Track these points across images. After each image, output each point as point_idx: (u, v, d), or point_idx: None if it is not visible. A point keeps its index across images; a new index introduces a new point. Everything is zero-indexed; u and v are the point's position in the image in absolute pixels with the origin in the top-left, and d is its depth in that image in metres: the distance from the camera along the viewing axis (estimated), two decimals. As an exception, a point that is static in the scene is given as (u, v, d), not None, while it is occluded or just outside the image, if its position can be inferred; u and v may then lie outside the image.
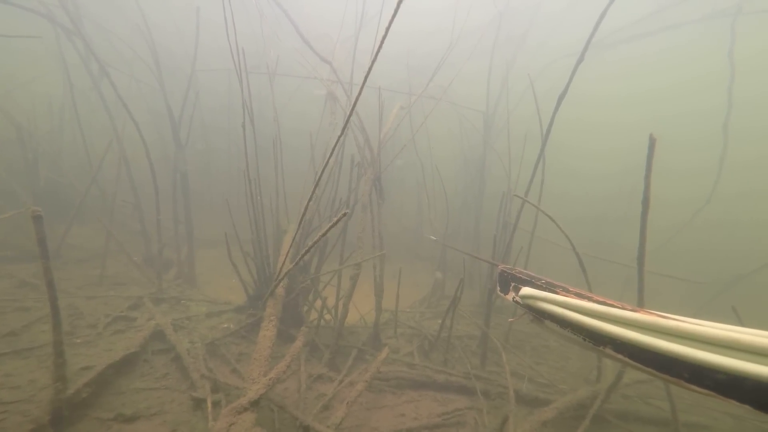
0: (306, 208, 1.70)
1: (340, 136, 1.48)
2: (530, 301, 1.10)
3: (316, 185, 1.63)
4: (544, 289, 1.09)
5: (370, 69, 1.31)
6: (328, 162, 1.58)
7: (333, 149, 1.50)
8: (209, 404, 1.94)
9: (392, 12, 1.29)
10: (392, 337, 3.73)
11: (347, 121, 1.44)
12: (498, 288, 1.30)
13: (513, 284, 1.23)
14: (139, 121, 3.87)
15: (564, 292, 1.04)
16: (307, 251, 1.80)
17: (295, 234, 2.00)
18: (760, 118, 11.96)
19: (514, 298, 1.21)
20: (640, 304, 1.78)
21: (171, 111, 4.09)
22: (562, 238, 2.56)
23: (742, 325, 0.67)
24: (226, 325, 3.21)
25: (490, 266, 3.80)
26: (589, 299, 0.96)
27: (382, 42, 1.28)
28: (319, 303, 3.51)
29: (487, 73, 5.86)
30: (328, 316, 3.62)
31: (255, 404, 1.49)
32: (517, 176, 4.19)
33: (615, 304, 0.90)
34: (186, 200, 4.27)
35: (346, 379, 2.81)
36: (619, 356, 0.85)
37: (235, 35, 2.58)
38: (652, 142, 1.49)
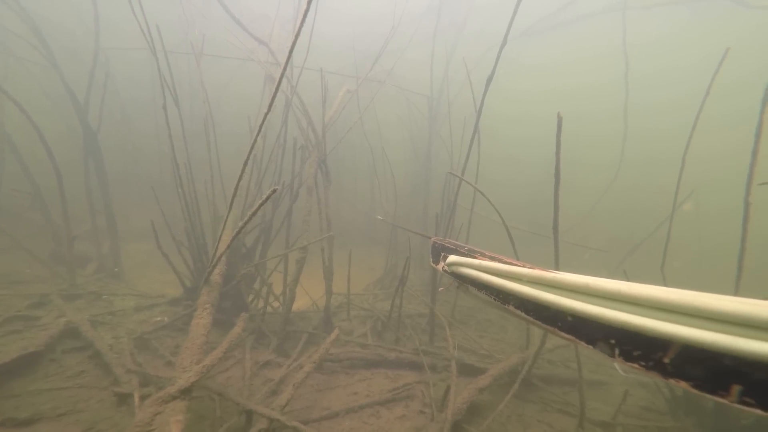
0: (236, 188, 1.62)
1: (266, 114, 1.42)
2: (454, 268, 1.14)
3: (245, 164, 1.56)
4: (466, 256, 1.13)
5: (293, 43, 1.26)
6: (255, 140, 1.51)
7: (260, 127, 1.44)
8: (136, 398, 1.81)
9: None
10: (345, 320, 3.76)
11: (274, 97, 1.38)
12: (431, 259, 1.34)
13: (442, 254, 1.27)
14: (37, 105, 3.39)
15: (481, 257, 1.10)
16: (239, 231, 1.74)
17: (227, 217, 1.90)
18: (659, 117, 13.79)
19: (443, 267, 1.25)
20: (556, 266, 1.98)
21: (72, 92, 3.61)
22: (501, 215, 2.74)
23: (628, 281, 0.73)
24: (159, 319, 2.99)
25: (437, 246, 3.95)
26: (499, 261, 1.03)
27: (304, 16, 1.23)
28: (265, 290, 3.42)
29: (431, 59, 5.97)
30: (276, 303, 3.54)
31: (186, 393, 1.42)
32: (458, 159, 4.37)
33: (518, 263, 0.96)
34: (104, 188, 3.84)
35: (295, 363, 2.79)
36: (519, 312, 0.89)
37: (142, 9, 2.32)
38: (559, 120, 1.66)
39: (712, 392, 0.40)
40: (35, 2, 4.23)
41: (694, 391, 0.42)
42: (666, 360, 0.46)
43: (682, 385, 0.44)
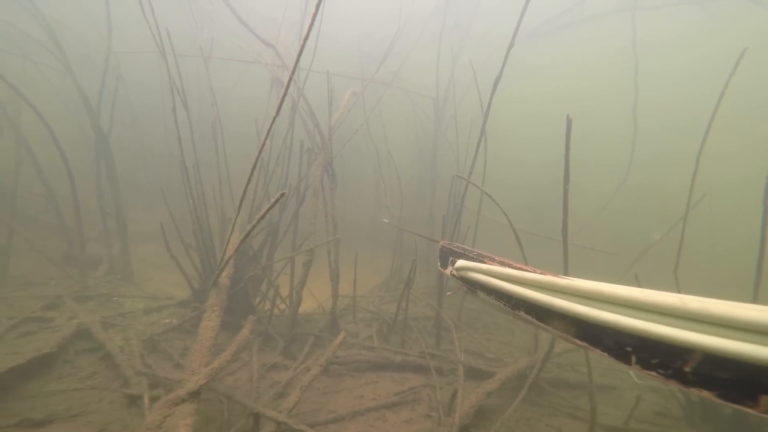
0: (245, 192, 1.63)
1: (275, 117, 1.44)
2: (462, 272, 1.13)
3: (254, 167, 1.58)
4: (475, 260, 1.12)
5: (302, 48, 1.27)
6: (264, 143, 1.52)
7: (269, 130, 1.45)
8: (146, 400, 1.83)
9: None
10: (351, 322, 3.75)
11: (282, 101, 1.39)
12: (439, 263, 1.33)
13: (450, 258, 1.26)
14: (52, 109, 3.46)
15: (490, 261, 1.08)
16: (247, 235, 1.75)
17: (235, 221, 1.91)
18: (671, 116, 13.61)
19: (451, 272, 1.24)
20: (565, 270, 1.95)
21: (85, 96, 3.68)
22: (508, 218, 2.72)
23: (639, 286, 0.71)
24: (168, 321, 3.02)
25: (443, 249, 3.94)
26: (509, 266, 1.01)
27: (312, 20, 1.24)
28: (272, 293, 3.43)
29: (437, 61, 5.97)
30: (282, 305, 3.55)
31: (195, 395, 1.43)
32: (465, 161, 4.35)
33: (528, 269, 0.94)
34: (114, 190, 3.90)
35: (302, 366, 2.79)
36: (530, 318, 0.87)
37: (153, 13, 2.35)
38: (569, 123, 1.64)
39: (739, 403, 0.39)
40: (51, 6, 4.31)
41: (718, 400, 0.41)
42: (686, 369, 0.45)
43: (705, 395, 0.42)
